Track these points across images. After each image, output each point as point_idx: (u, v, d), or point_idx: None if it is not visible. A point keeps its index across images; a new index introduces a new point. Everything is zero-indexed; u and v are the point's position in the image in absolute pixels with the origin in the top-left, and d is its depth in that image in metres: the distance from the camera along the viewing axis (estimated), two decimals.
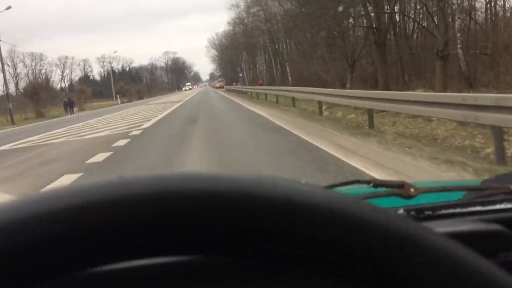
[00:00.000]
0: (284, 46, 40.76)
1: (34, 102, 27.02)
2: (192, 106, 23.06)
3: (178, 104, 24.44)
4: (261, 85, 44.29)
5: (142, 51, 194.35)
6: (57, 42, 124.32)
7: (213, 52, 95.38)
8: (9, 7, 28.89)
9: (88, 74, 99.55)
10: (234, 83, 57.64)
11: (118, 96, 47.01)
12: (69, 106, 32.88)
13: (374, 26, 14.31)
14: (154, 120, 14.13)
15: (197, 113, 16.47)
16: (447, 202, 0.77)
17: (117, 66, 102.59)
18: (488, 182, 0.92)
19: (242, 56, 60.09)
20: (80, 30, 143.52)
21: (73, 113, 31.87)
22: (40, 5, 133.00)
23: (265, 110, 14.78)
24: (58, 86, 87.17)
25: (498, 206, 0.73)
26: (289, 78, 35.11)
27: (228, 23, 61.25)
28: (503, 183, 0.86)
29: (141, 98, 58.18)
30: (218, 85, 75.90)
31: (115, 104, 42.19)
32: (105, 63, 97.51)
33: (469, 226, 0.65)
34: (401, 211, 0.72)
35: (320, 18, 18.58)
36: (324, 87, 17.31)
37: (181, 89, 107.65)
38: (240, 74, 58.52)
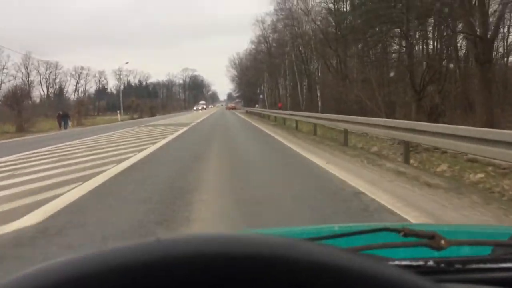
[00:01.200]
0: (316, 66, 35.99)
1: (15, 113, 22.62)
2: (203, 132, 18.41)
3: (185, 129, 19.85)
4: (280, 108, 42.87)
5: (161, 68, 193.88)
6: (76, 54, 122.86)
7: (233, 72, 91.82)
8: None
9: (105, 87, 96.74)
10: (256, 105, 52.96)
11: (119, 111, 42.69)
12: (63, 120, 28.52)
13: (478, 34, 9.30)
14: (141, 155, 9.33)
15: (209, 144, 12.09)
16: (477, 257, 0.76)
17: (134, 80, 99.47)
18: None
19: (263, 76, 55.73)
20: (100, 43, 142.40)
21: (66, 128, 27.52)
22: (64, 16, 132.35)
23: (311, 150, 9.82)
24: (72, 97, 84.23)
25: None
26: (319, 103, 30.22)
27: (251, 42, 57.30)
28: None
29: (153, 115, 54.01)
30: (230, 106, 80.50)
31: (117, 121, 37.76)
32: (121, 76, 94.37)
33: None
34: (431, 262, 0.72)
35: (381, 23, 13.75)
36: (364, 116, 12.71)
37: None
38: (261, 96, 54.04)
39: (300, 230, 1.43)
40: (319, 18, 31.08)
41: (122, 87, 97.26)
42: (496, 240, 0.96)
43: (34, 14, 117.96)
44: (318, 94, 31.82)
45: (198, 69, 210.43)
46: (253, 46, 53.96)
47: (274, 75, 48.91)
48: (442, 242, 0.70)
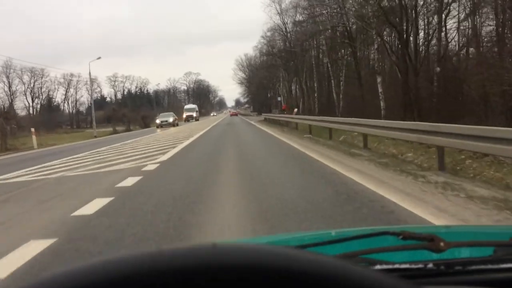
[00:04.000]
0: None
1: None
2: (204, 155, 10.27)
3: (170, 154, 10.78)
4: (283, 111, 37.23)
5: (164, 75, 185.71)
6: (75, 65, 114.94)
7: (241, 74, 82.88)
8: None
9: (104, 96, 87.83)
10: (273, 111, 42.96)
11: (94, 124, 33.19)
12: None
13: None
14: None
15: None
16: (477, 258, 0.76)
17: (130, 87, 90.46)
18: None
19: (279, 75, 46.18)
20: (98, 53, 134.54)
21: None
22: (67, 27, 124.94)
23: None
24: (62, 107, 75.51)
25: None
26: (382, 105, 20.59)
27: (263, 36, 47.96)
28: None
29: (147, 125, 45.07)
30: (232, 112, 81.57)
31: (91, 137, 28.28)
32: (116, 83, 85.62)
33: None
34: (430, 265, 0.71)
35: None
36: None
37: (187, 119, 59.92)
38: (279, 98, 44.45)
39: (301, 237, 1.38)
40: None
41: (118, 95, 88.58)
42: (496, 240, 0.96)
43: (40, 26, 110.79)
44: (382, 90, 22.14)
45: (203, 74, 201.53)
46: (268, 34, 44.39)
47: (295, 71, 39.20)
48: (442, 244, 0.71)
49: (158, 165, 8.38)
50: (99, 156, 11.90)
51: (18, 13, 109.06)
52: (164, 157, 9.80)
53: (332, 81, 29.96)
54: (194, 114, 54.93)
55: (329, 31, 28.08)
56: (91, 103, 39.25)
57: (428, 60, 20.31)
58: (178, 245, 0.33)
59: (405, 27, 17.15)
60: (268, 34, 43.93)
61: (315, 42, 34.36)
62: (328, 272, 0.33)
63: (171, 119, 36.57)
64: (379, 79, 18.00)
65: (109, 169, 8.29)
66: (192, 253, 0.31)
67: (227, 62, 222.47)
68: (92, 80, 79.37)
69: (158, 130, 30.58)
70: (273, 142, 13.37)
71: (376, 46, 17.50)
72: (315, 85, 34.38)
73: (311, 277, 0.33)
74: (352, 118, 11.92)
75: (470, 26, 18.23)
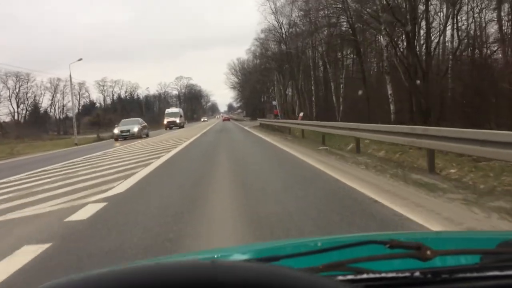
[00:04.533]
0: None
1: None
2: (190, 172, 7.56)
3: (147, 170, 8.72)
4: (276, 116, 35.81)
5: (156, 80, 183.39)
6: (67, 70, 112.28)
7: (233, 79, 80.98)
8: None
9: (94, 101, 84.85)
10: (267, 115, 40.58)
11: (75, 131, 30.71)
12: None
13: None
14: None
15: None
16: (464, 266, 0.77)
17: (119, 91, 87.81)
18: (504, 245, 0.89)
19: (275, 77, 44.10)
20: (88, 56, 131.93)
21: None
22: (58, 32, 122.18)
23: None
24: (50, 112, 72.72)
25: None
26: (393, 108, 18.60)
27: (256, 39, 46.00)
28: None
29: None
30: (225, 117, 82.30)
31: (71, 145, 25.78)
32: (105, 87, 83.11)
33: None
34: (417, 274, 0.72)
35: None
36: None
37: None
38: (274, 102, 42.26)
39: (290, 245, 1.36)
40: None
41: (108, 100, 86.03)
42: (483, 248, 0.97)
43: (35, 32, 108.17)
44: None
45: (195, 79, 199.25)
46: (262, 36, 42.33)
47: (291, 74, 37.26)
48: (428, 252, 0.71)
49: (101, 206, 5.23)
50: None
51: (10, 17, 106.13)
52: (118, 188, 6.69)
53: (332, 83, 27.91)
54: (178, 120, 45.39)
55: (328, 30, 26.12)
56: (73, 108, 36.78)
57: (440, 58, 18.37)
58: (178, 260, 0.30)
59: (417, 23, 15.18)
60: (262, 36, 41.98)
61: (312, 42, 32.38)
62: None
63: (135, 129, 27.27)
64: (388, 80, 16.01)
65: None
66: (192, 269, 0.31)
67: (220, 68, 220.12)
68: (80, 85, 76.91)
69: (117, 143, 22.80)
70: (286, 162, 8.95)
71: (385, 44, 15.52)
72: (312, 88, 32.33)
73: None
74: (398, 126, 9.51)
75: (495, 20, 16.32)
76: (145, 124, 30.55)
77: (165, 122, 44.89)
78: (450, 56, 17.17)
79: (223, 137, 20.43)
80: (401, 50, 18.10)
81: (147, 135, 29.04)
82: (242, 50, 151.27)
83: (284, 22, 36.18)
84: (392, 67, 17.00)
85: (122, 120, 30.65)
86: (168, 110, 50.85)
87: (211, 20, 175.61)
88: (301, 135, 15.81)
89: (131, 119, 32.02)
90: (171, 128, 43.28)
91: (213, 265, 0.33)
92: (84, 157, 13.77)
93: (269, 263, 0.64)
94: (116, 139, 26.57)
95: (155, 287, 0.30)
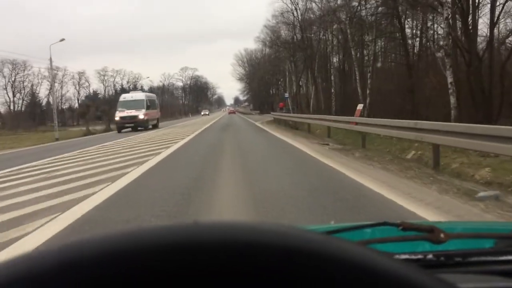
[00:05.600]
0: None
1: None
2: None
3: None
4: (281, 109, 33.10)
5: (161, 72, 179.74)
6: (73, 61, 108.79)
7: (240, 70, 77.18)
8: None
9: (97, 92, 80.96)
10: (280, 109, 36.14)
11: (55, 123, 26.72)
12: None
13: None
14: None
15: None
16: (478, 249, 0.75)
17: (121, 82, 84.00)
18: None
19: (286, 67, 40.00)
20: (94, 50, 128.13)
21: None
22: (61, 24, 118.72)
23: None
24: (45, 101, 68.99)
25: None
26: None
27: (265, 25, 42.03)
28: None
29: None
30: (230, 110, 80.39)
31: (52, 140, 21.60)
32: (106, 77, 79.44)
33: (486, 284, 0.63)
34: (430, 256, 0.71)
35: None
36: None
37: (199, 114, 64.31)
38: (286, 94, 38.24)
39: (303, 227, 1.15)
40: None
41: (110, 90, 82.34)
42: (497, 233, 0.92)
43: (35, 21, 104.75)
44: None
45: (201, 72, 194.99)
46: (273, 23, 38.27)
47: (307, 62, 33.29)
48: (442, 235, 0.70)
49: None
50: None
51: (17, 7, 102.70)
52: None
53: (356, 71, 23.87)
54: (141, 115, 25.65)
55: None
56: (53, 96, 32.98)
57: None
58: (159, 225, 0.30)
59: None
60: (273, 22, 37.91)
61: (335, 22, 28.37)
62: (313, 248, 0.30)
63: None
64: (449, 64, 12.08)
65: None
66: (172, 231, 0.30)
67: (227, 60, 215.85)
68: (80, 74, 73.46)
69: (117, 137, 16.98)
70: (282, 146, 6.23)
71: (446, 15, 11.59)
72: (332, 78, 28.33)
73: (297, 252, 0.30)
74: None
75: None
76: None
77: (116, 117, 26.11)
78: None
79: (230, 143, 13.13)
80: (460, 29, 14.13)
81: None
82: (249, 43, 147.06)
83: (299, 4, 32.09)
84: (448, 51, 13.03)
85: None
86: (123, 97, 28.60)
87: (217, 12, 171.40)
88: (363, 143, 10.87)
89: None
90: (125, 127, 25.37)
91: (196, 225, 0.31)
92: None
93: None
94: (119, 131, 22.95)
95: (129, 252, 0.28)
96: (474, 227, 1.35)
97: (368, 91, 22.82)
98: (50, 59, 25.35)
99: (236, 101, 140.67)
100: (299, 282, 0.29)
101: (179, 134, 18.87)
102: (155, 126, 27.85)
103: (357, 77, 23.90)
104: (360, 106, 14.39)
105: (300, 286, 0.29)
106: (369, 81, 22.72)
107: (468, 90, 14.05)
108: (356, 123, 10.20)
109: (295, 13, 32.82)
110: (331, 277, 0.30)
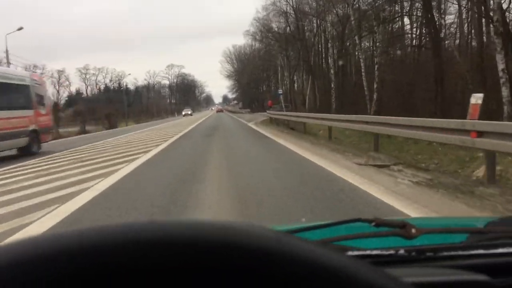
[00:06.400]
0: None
1: None
2: None
3: None
4: (270, 107, 32.17)
5: (147, 70, 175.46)
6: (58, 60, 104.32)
7: (228, 68, 74.11)
8: None
9: (81, 92, 76.90)
10: (275, 106, 32.77)
11: None
12: None
13: None
14: None
15: None
16: (449, 244, 0.75)
17: (103, 80, 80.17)
18: (492, 224, 0.88)
19: (278, 62, 36.92)
20: (79, 46, 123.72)
21: None
22: (52, 22, 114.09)
23: None
24: None
25: (500, 250, 0.71)
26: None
27: (255, 19, 38.91)
28: (507, 225, 0.85)
29: (112, 126, 36.06)
30: (218, 109, 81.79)
31: None
32: (87, 76, 75.65)
33: (453, 277, 0.63)
34: (401, 251, 0.71)
35: None
36: None
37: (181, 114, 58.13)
38: (280, 91, 35.12)
39: (277, 227, 1.22)
40: None
41: (91, 90, 78.37)
42: (469, 227, 0.92)
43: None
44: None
45: (188, 70, 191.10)
46: (262, 15, 35.17)
47: (300, 55, 30.29)
48: (413, 231, 0.71)
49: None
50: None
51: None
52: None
53: (362, 64, 20.94)
54: None
55: None
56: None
57: None
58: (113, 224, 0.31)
59: None
60: (264, 13, 34.82)
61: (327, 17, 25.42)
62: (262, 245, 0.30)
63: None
64: (500, 45, 9.13)
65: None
66: (121, 229, 0.30)
67: (215, 58, 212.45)
68: (60, 72, 69.48)
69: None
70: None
71: None
72: (332, 71, 25.40)
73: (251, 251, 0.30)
74: None
75: None
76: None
77: None
78: None
79: (225, 142, 10.78)
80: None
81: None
82: (238, 40, 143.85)
83: None
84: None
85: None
86: None
87: (208, 10, 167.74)
88: (375, 147, 7.72)
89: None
90: None
91: (150, 223, 0.30)
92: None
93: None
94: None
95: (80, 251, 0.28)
96: (447, 223, 1.30)
97: (375, 86, 19.92)
98: (7, 51, 21.99)
99: (225, 99, 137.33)
100: (238, 278, 0.29)
101: (132, 150, 11.02)
102: (26, 149, 11.92)
103: (363, 72, 20.97)
104: (476, 99, 6.36)
105: (240, 282, 0.29)
106: (376, 73, 19.83)
107: None
108: (478, 134, 4.84)
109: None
110: (272, 273, 0.29)
